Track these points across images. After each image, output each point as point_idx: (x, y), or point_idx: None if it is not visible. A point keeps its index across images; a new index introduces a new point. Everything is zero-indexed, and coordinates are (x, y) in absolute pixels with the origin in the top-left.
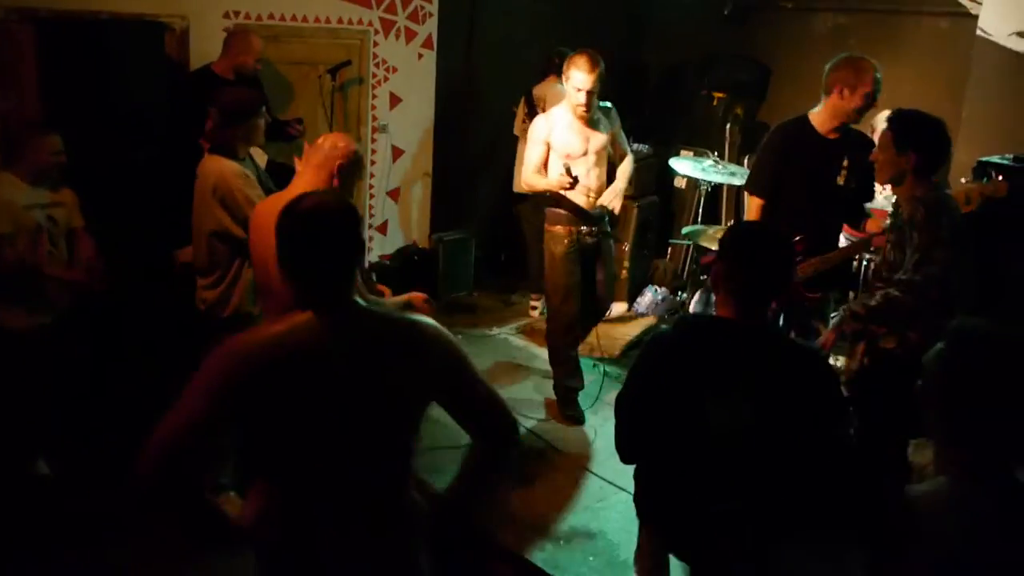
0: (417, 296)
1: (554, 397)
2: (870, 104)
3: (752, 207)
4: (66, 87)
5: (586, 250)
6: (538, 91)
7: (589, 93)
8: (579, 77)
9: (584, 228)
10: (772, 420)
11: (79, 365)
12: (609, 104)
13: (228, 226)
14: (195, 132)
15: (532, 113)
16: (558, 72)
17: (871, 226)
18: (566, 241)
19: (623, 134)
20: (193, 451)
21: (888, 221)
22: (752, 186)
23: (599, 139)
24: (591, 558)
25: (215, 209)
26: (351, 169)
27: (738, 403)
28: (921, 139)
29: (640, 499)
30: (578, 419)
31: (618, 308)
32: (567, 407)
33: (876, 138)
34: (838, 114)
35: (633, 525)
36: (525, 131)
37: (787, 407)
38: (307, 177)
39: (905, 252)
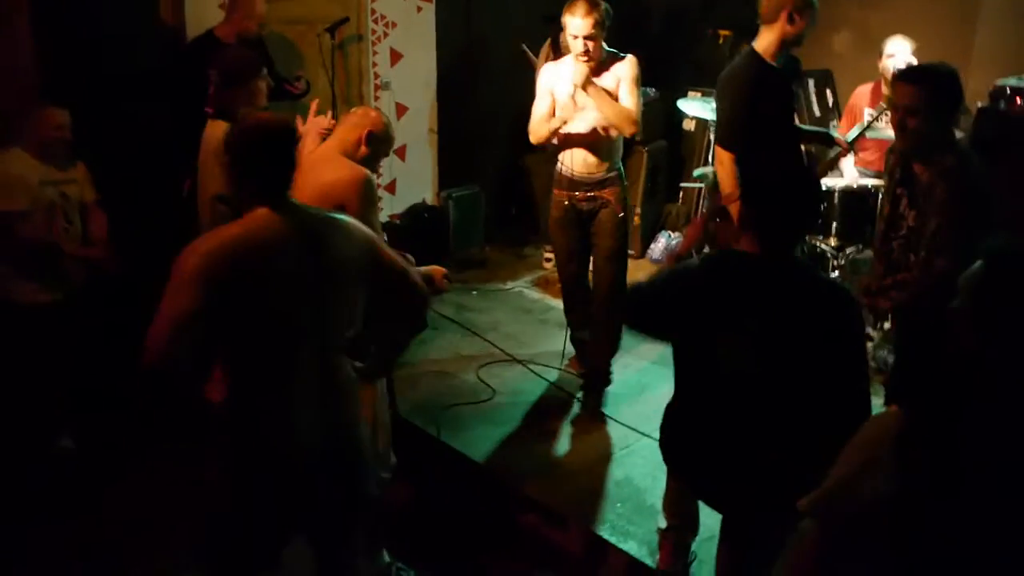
0: (437, 270)
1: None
2: (814, 24)
3: (725, 161)
4: (62, 56)
5: (583, 216)
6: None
7: (587, 39)
8: (574, 23)
9: (578, 194)
10: (790, 361)
11: (93, 340)
12: (626, 55)
13: (229, 190)
14: (202, 99)
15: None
16: None
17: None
18: (562, 205)
19: (632, 85)
20: (183, 340)
21: (893, 171)
22: (724, 140)
23: (586, 103)
24: (618, 505)
25: (218, 173)
26: (380, 139)
27: (758, 341)
28: (959, 103)
29: (664, 446)
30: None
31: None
32: (582, 360)
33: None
34: (787, 42)
35: (659, 470)
36: None
37: (808, 349)
38: (337, 138)
39: (926, 221)
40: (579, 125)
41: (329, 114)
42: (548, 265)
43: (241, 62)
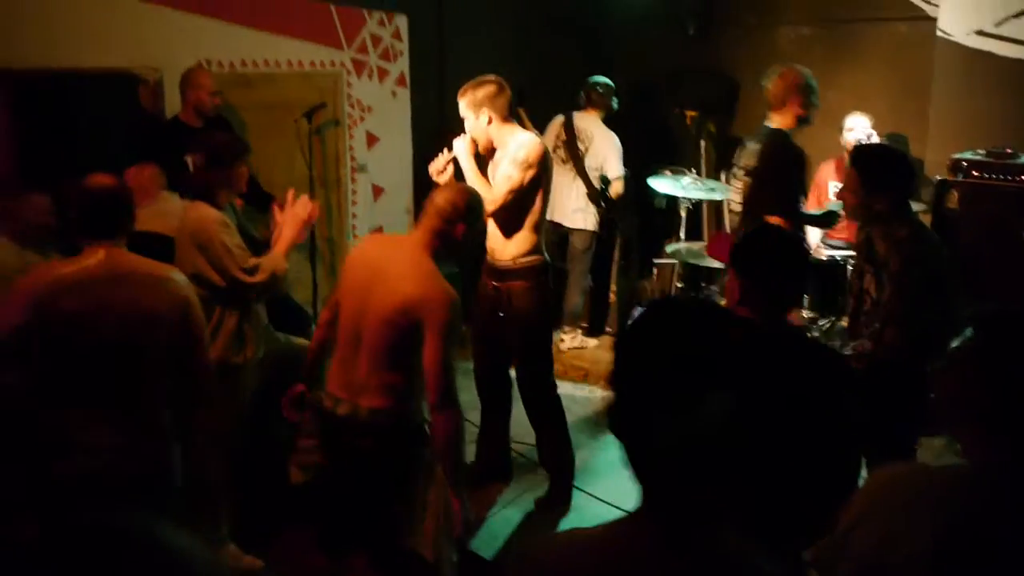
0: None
1: None
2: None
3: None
4: (41, 143)
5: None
6: (579, 122)
7: (468, 116)
8: (460, 102)
9: (492, 282)
10: (786, 427)
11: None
12: (526, 135)
13: (205, 271)
14: (168, 183)
15: (571, 141)
16: (594, 104)
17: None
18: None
19: (510, 165)
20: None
21: (860, 247)
22: (783, 207)
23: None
24: None
25: (194, 255)
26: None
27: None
28: (892, 180)
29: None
30: None
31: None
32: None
33: (847, 146)
34: (802, 120)
35: None
36: (559, 159)
37: (803, 416)
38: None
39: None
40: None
41: (307, 198)
42: (562, 346)
43: (226, 145)
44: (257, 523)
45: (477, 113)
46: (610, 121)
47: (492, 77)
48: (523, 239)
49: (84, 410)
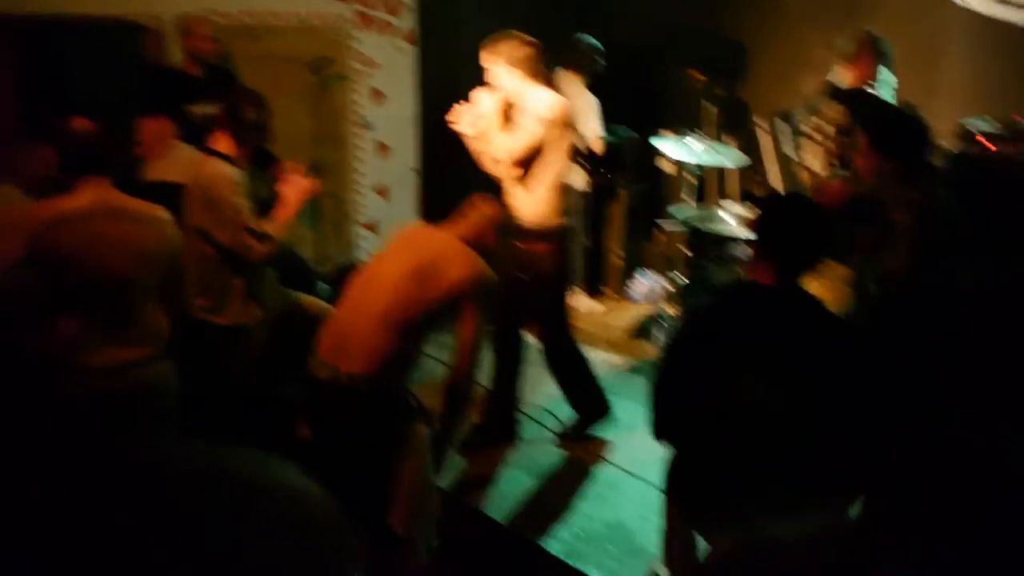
0: None
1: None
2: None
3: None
4: (44, 91)
5: None
6: (560, 83)
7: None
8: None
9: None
10: (801, 397)
11: None
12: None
13: (212, 229)
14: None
15: None
16: (575, 64)
17: None
18: None
19: (531, 120)
20: None
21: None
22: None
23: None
24: (610, 546)
25: (203, 210)
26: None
27: (770, 376)
28: (902, 143)
29: (670, 476)
30: None
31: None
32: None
33: None
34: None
35: (649, 511)
36: None
37: (817, 384)
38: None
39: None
40: None
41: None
42: None
43: (249, 105)
44: None
45: (505, 67)
46: (605, 82)
47: (521, 33)
48: (546, 200)
49: (84, 334)
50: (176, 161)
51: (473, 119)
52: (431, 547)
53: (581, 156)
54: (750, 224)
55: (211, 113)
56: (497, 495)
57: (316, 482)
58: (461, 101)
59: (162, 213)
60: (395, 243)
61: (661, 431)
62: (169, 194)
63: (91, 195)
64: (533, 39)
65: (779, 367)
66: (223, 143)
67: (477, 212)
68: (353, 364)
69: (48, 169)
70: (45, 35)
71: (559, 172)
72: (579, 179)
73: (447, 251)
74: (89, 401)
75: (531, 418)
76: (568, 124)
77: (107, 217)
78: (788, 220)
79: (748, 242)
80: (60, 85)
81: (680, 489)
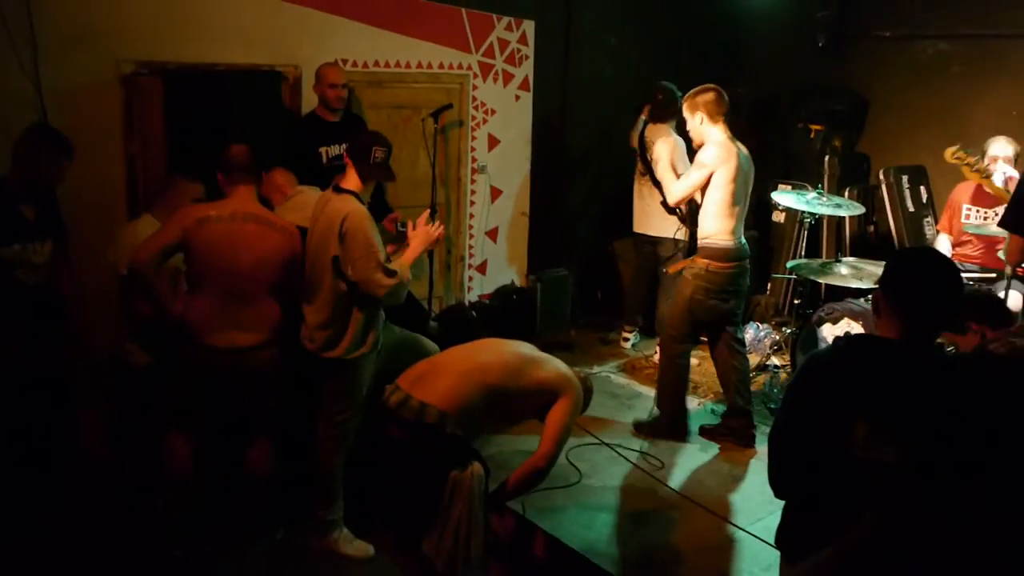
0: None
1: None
2: None
3: (1013, 246)
4: (190, 133)
5: None
6: (648, 132)
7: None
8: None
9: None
10: (928, 455)
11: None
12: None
13: (342, 262)
14: (304, 174)
15: (643, 153)
16: (656, 113)
17: None
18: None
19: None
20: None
21: None
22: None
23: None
24: None
25: (332, 243)
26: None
27: (887, 433)
28: None
29: (785, 533)
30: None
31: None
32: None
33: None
34: None
35: (757, 567)
36: (639, 171)
37: (948, 444)
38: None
39: None
40: None
41: (438, 223)
42: (626, 344)
43: (373, 145)
44: (370, 510)
45: (693, 113)
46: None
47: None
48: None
49: (212, 315)
50: (298, 204)
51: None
52: None
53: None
54: (880, 278)
55: (342, 155)
56: (601, 540)
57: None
58: None
59: (290, 225)
60: (503, 341)
61: (777, 485)
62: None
63: (236, 201)
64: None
65: (898, 425)
66: (351, 180)
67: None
68: (428, 396)
69: (187, 202)
70: (191, 82)
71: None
72: (671, 227)
73: (550, 358)
74: (207, 374)
75: (633, 463)
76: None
77: (245, 220)
78: (921, 275)
79: (874, 295)
80: (204, 127)
81: (794, 546)
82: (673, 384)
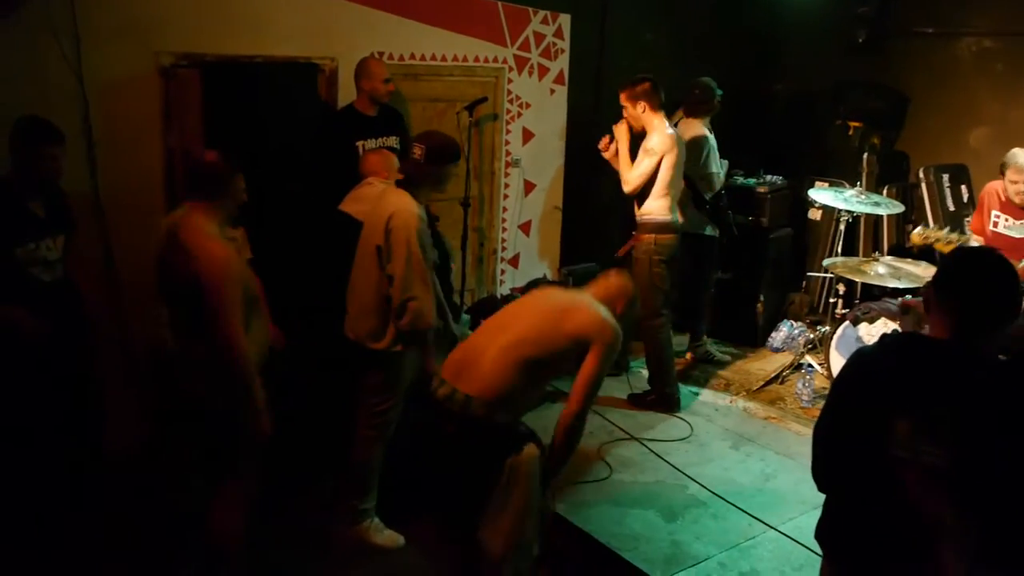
0: None
1: (690, 433)
2: None
3: None
4: (227, 126)
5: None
6: (681, 128)
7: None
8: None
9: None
10: (971, 456)
11: None
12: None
13: (385, 252)
14: (340, 168)
15: None
16: (691, 108)
17: None
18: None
19: (642, 153)
20: None
21: None
22: None
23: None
24: None
25: (382, 234)
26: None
27: (933, 433)
28: None
29: (825, 528)
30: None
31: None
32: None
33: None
34: None
35: (786, 566)
36: None
37: (992, 445)
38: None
39: None
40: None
41: None
42: None
43: (446, 148)
44: (401, 501)
45: (632, 104)
46: (764, 130)
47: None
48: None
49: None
50: (362, 196)
51: (605, 145)
52: (520, 571)
53: (704, 201)
54: (934, 275)
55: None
56: (630, 535)
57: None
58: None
59: (207, 252)
60: (532, 295)
61: (820, 479)
62: (348, 226)
63: (181, 214)
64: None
65: (945, 425)
66: (415, 180)
67: (611, 281)
68: (472, 386)
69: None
70: (229, 74)
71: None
72: (702, 224)
73: (580, 302)
74: (177, 382)
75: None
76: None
77: (177, 235)
78: (975, 274)
79: (925, 293)
80: (241, 119)
81: (835, 541)
82: (658, 356)
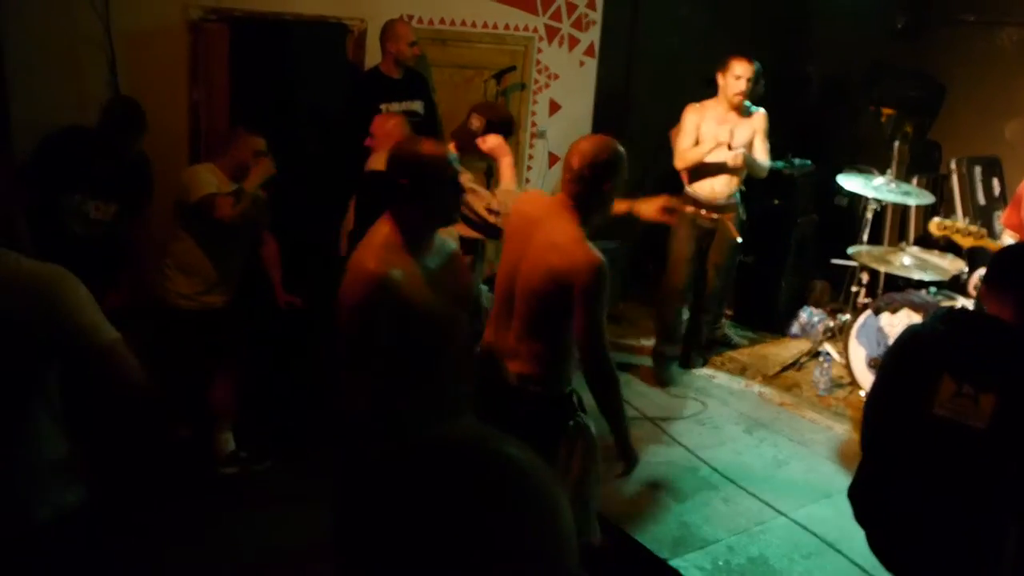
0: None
1: (707, 415)
2: None
3: None
4: (253, 83)
5: (700, 231)
6: None
7: (748, 80)
8: (740, 66)
9: (702, 212)
10: (1011, 422)
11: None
12: (762, 110)
13: None
14: (363, 130)
15: None
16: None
17: None
18: (686, 219)
19: (766, 141)
20: None
21: None
22: None
23: (742, 135)
24: None
25: None
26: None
27: (979, 395)
28: None
29: (859, 487)
30: (665, 382)
31: None
32: (659, 371)
33: None
34: None
35: (795, 553)
36: None
37: None
38: None
39: None
40: (717, 156)
41: None
42: None
43: (504, 120)
44: None
45: (752, 84)
46: (796, 114)
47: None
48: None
49: None
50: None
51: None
52: (588, 543)
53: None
54: (986, 275)
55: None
56: (640, 515)
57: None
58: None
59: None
60: (515, 225)
61: (865, 444)
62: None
63: None
64: None
65: (989, 390)
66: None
67: (575, 156)
68: (520, 366)
69: (246, 156)
70: (258, 30)
71: None
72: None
73: (550, 233)
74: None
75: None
76: None
77: None
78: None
79: (979, 291)
80: (268, 77)
81: (865, 500)
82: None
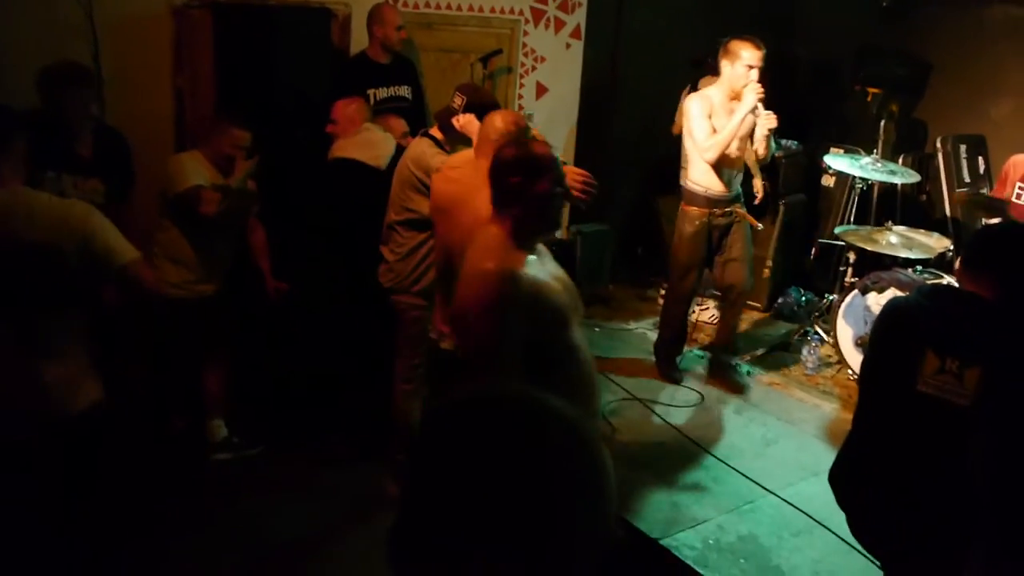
0: None
1: (700, 394)
2: None
3: None
4: (238, 69)
5: (715, 230)
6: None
7: (760, 70)
8: (750, 54)
9: (716, 211)
10: (993, 398)
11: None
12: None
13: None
14: None
15: None
16: (712, 69)
17: None
18: (697, 222)
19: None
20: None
21: None
22: None
23: (748, 123)
24: (742, 561)
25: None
26: None
27: (963, 371)
28: None
29: (840, 469)
30: (678, 380)
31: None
32: (669, 370)
33: None
34: None
35: (784, 531)
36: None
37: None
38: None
39: None
40: (748, 127)
41: None
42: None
43: (489, 103)
44: None
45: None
46: (782, 95)
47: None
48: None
49: None
50: (364, 141)
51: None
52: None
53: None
54: (963, 257)
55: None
56: (631, 496)
57: None
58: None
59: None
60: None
61: (856, 422)
62: (346, 170)
63: None
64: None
65: (972, 366)
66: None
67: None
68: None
69: (235, 150)
70: (242, 16)
71: None
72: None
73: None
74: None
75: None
76: None
77: None
78: (1005, 246)
79: (957, 273)
80: (253, 63)
81: (845, 482)
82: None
